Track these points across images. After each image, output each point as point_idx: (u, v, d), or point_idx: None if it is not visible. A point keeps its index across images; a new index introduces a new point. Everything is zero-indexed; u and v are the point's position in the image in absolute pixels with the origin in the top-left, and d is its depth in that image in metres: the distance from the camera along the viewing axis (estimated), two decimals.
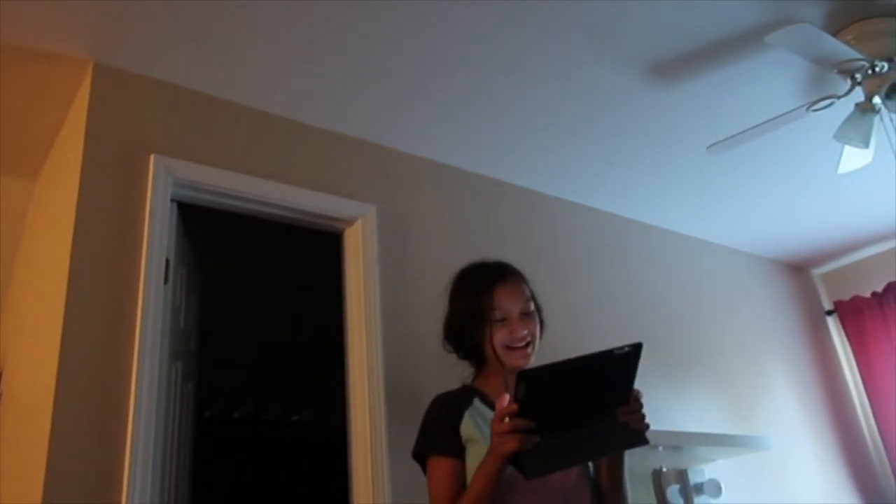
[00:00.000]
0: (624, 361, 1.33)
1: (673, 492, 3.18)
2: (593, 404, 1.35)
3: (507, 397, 1.29)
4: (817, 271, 5.01)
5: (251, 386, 4.61)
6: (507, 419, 1.28)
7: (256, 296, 4.14)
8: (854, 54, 2.49)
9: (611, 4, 2.40)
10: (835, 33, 2.58)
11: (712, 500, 3.28)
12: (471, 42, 2.52)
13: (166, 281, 2.35)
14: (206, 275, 3.06)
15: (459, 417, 1.59)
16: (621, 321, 3.55)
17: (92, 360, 2.07)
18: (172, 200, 2.45)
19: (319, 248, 3.02)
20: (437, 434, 1.60)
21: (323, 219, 2.80)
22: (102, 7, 2.21)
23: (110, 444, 2.01)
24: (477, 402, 1.64)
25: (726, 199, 3.87)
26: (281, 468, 4.54)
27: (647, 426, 1.39)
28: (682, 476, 3.28)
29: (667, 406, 3.48)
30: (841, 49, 2.47)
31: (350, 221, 2.84)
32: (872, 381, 4.55)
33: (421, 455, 1.63)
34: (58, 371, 2.00)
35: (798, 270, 4.91)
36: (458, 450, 1.55)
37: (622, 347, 1.31)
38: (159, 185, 2.38)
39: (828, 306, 4.90)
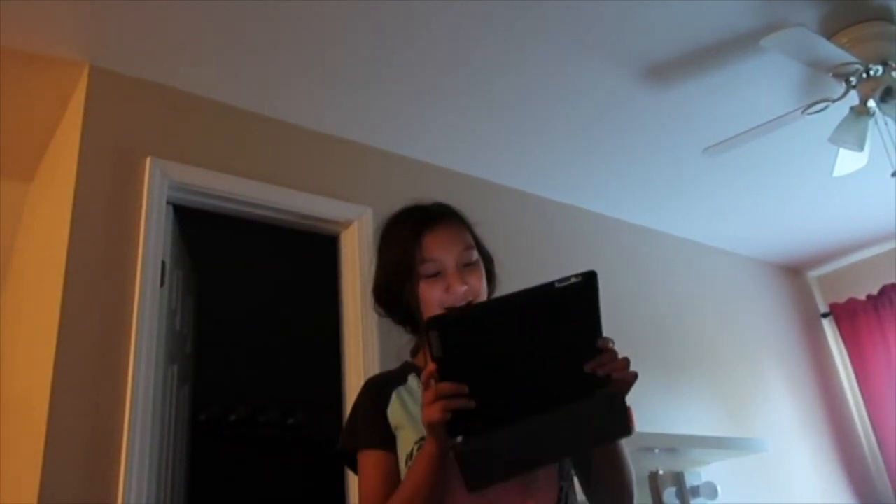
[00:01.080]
0: (577, 295, 1.03)
1: (669, 494, 3.18)
2: (550, 356, 1.02)
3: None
4: (813, 274, 5.02)
5: (247, 388, 4.59)
6: (431, 384, 0.99)
7: (252, 298, 4.13)
8: (849, 58, 2.50)
9: (606, 8, 2.40)
10: (829, 37, 2.58)
11: (709, 503, 3.28)
12: (467, 46, 2.53)
13: (162, 284, 2.34)
14: (201, 278, 3.05)
15: (387, 401, 1.26)
16: (617, 324, 3.55)
17: (88, 363, 2.07)
18: (168, 203, 2.45)
19: (315, 250, 3.02)
20: (361, 425, 1.28)
21: (319, 221, 2.80)
22: (99, 10, 2.21)
23: (106, 446, 2.01)
24: (412, 380, 1.30)
25: (722, 202, 3.88)
26: (277, 471, 4.53)
27: (634, 374, 1.06)
28: (678, 479, 3.28)
29: (663, 409, 3.49)
30: (836, 52, 2.48)
31: (346, 224, 2.83)
32: (868, 383, 4.56)
33: (346, 453, 1.31)
34: (53, 374, 2.00)
35: (793, 273, 4.92)
36: (387, 440, 1.23)
37: (567, 278, 1.01)
38: (155, 187, 2.38)
39: (823, 309, 4.90)
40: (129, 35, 2.34)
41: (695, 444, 3.11)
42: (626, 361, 1.06)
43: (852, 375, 4.67)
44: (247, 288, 4.05)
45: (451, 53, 2.56)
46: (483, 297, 1.30)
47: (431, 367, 0.98)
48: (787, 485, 3.86)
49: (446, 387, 0.98)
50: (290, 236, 2.91)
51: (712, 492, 3.25)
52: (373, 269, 1.38)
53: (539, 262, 3.41)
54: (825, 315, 4.87)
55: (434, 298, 1.25)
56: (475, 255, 1.32)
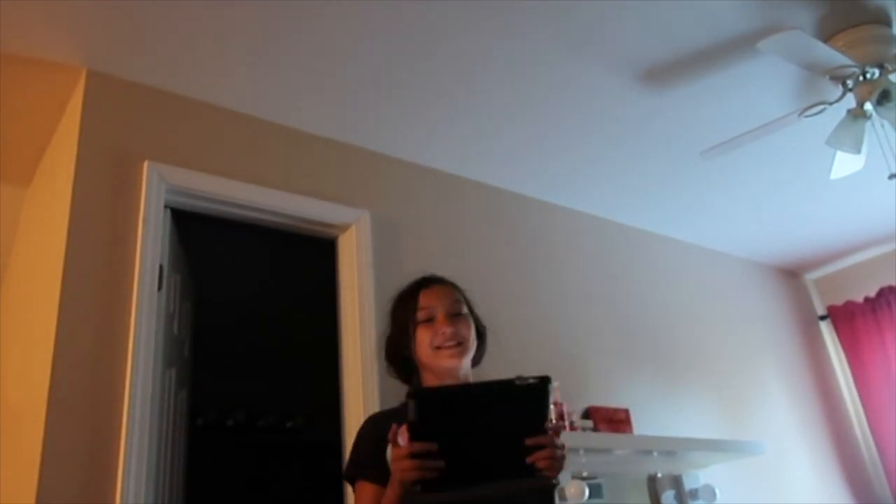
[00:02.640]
0: (530, 394, 1.22)
1: (668, 497, 3.18)
2: (501, 441, 1.23)
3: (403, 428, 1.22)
4: (810, 276, 5.02)
5: (245, 393, 4.59)
6: (399, 441, 1.22)
7: (250, 302, 4.13)
8: (845, 61, 2.51)
9: (602, 12, 2.41)
10: (826, 40, 2.59)
11: None
12: (464, 52, 2.53)
13: (160, 288, 2.34)
14: (199, 282, 3.05)
15: (386, 441, 1.42)
16: (615, 326, 3.56)
17: (85, 368, 2.06)
18: (166, 207, 2.44)
19: (313, 254, 3.02)
20: (362, 458, 1.51)
21: (317, 225, 2.80)
22: (96, 15, 2.21)
23: (104, 451, 2.00)
24: None
25: (719, 204, 3.89)
26: (276, 475, 4.53)
27: (555, 467, 1.25)
28: (676, 481, 3.27)
29: (661, 411, 3.49)
30: (832, 55, 2.48)
31: (344, 227, 2.83)
32: (865, 385, 4.56)
33: (350, 478, 1.55)
34: (50, 378, 1.99)
35: (791, 275, 4.92)
36: (382, 475, 1.40)
37: (525, 378, 1.21)
38: (153, 191, 2.37)
39: (821, 311, 4.91)
40: (126, 39, 2.34)
41: (693, 447, 3.11)
42: (556, 457, 1.25)
43: (850, 378, 4.67)
44: (244, 292, 4.05)
45: (449, 58, 2.56)
46: (470, 344, 1.54)
47: (403, 429, 1.20)
48: (785, 487, 3.86)
49: (421, 446, 1.19)
50: (287, 240, 2.91)
51: (711, 494, 3.25)
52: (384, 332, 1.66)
53: (536, 265, 3.42)
54: (823, 317, 4.88)
55: (425, 340, 1.51)
56: (465, 308, 1.57)
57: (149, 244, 2.30)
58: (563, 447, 1.29)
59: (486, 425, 1.21)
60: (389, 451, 1.34)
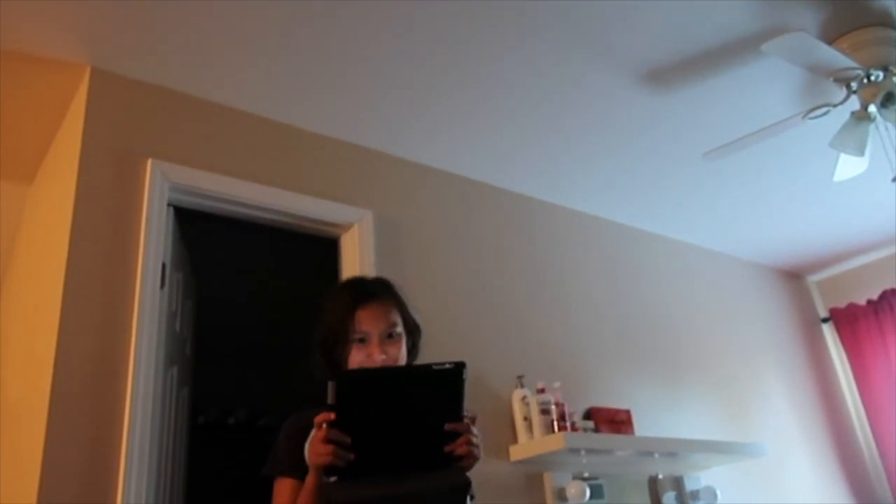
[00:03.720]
0: (447, 379, 1.25)
1: (669, 498, 3.18)
2: (420, 426, 1.26)
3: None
4: (813, 278, 5.02)
5: (246, 392, 4.59)
6: (324, 427, 1.24)
7: (251, 301, 4.13)
8: (849, 63, 2.51)
9: (606, 14, 2.40)
10: (830, 42, 2.59)
11: None
12: (468, 52, 2.53)
13: (162, 286, 2.34)
14: (201, 280, 3.05)
15: (305, 437, 1.47)
16: (617, 327, 3.56)
17: (87, 365, 2.06)
18: (169, 205, 2.45)
19: (316, 253, 3.02)
20: (282, 456, 1.53)
21: (319, 224, 2.80)
22: (100, 12, 2.21)
23: (105, 448, 2.01)
24: None
25: (722, 206, 3.88)
26: None
27: (472, 455, 1.29)
28: (678, 483, 3.28)
29: (662, 413, 3.48)
30: (836, 58, 2.48)
31: (346, 227, 2.83)
32: (868, 388, 4.56)
33: (268, 477, 1.55)
34: (53, 376, 2.00)
35: (793, 277, 4.92)
36: (301, 471, 1.43)
37: (442, 363, 1.23)
38: (156, 189, 2.38)
39: (823, 313, 4.90)
40: (130, 37, 2.34)
41: (694, 449, 3.11)
42: (473, 444, 1.29)
43: (852, 380, 4.66)
44: (246, 290, 4.05)
45: (453, 60, 2.56)
46: (399, 362, 1.54)
47: (330, 414, 1.23)
48: (786, 489, 3.86)
49: (336, 434, 1.22)
50: (290, 239, 2.91)
51: (712, 496, 3.25)
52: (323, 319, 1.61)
53: (539, 265, 3.42)
54: (825, 320, 4.87)
55: (356, 361, 1.52)
56: (398, 329, 1.58)
57: (151, 242, 2.30)
58: (478, 437, 1.31)
59: (404, 411, 1.25)
60: (308, 441, 1.37)
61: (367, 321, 1.54)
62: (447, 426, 1.26)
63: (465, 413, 1.30)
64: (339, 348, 1.55)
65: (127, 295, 2.20)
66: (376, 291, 1.62)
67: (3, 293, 2.99)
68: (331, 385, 1.21)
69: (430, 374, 1.24)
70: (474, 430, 1.30)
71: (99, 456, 1.99)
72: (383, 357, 1.51)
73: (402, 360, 1.57)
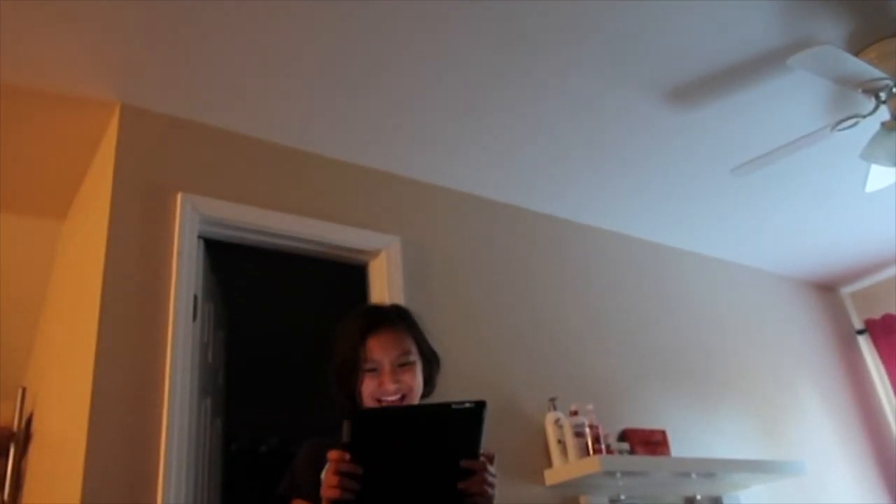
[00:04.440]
0: (466, 418, 1.23)
1: None
2: (435, 464, 1.24)
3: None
4: (846, 290, 4.93)
5: (277, 419, 4.60)
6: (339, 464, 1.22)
7: (281, 329, 4.15)
8: (877, 73, 2.48)
9: (630, 32, 2.40)
10: (856, 53, 2.56)
11: None
12: (490, 74, 2.54)
13: (195, 318, 2.36)
14: (232, 310, 3.07)
15: (322, 464, 1.43)
16: (648, 346, 3.52)
17: (123, 400, 2.08)
18: (199, 237, 2.47)
19: (345, 280, 3.02)
20: (299, 480, 1.52)
21: (347, 251, 2.81)
22: (128, 50, 2.26)
23: (143, 483, 2.01)
24: None
25: (752, 221, 3.84)
26: None
27: (486, 494, 1.26)
28: (717, 503, 3.22)
29: (698, 433, 3.43)
30: (864, 69, 2.46)
31: (374, 253, 2.84)
32: None
33: (282, 497, 1.55)
34: (90, 409, 2.01)
35: (827, 290, 4.84)
36: (316, 496, 1.40)
37: (462, 402, 1.21)
38: (186, 223, 2.40)
39: (858, 325, 4.81)
40: (157, 73, 2.38)
41: (732, 468, 3.05)
42: (488, 483, 1.26)
43: (891, 392, 4.56)
44: (276, 319, 4.07)
45: (476, 83, 2.57)
46: (416, 392, 1.53)
47: (345, 454, 1.20)
48: None
49: (348, 467, 1.20)
50: (318, 267, 2.91)
51: None
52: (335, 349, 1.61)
53: (569, 286, 3.40)
54: (861, 332, 4.78)
55: (368, 391, 1.50)
56: (412, 357, 1.55)
57: (183, 275, 2.32)
58: (495, 476, 1.28)
59: (419, 448, 1.23)
60: (323, 473, 1.35)
61: (378, 349, 1.52)
62: (462, 463, 1.24)
63: (483, 451, 1.27)
64: (353, 377, 1.53)
65: (160, 328, 2.22)
66: (387, 319, 1.60)
67: (40, 330, 3.03)
68: (346, 423, 1.19)
69: (448, 412, 1.22)
70: (490, 469, 1.28)
71: (137, 490, 2.00)
72: (395, 386, 1.49)
73: (418, 388, 1.54)
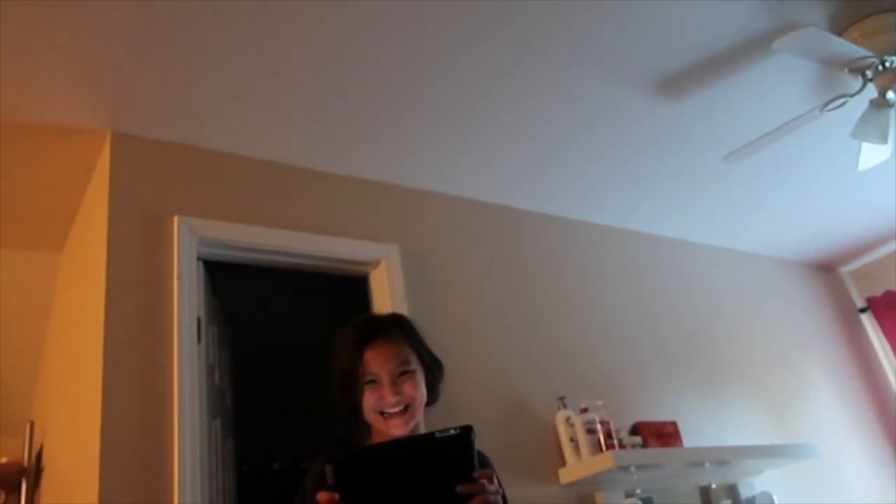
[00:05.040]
0: (453, 446, 1.21)
1: None
2: (430, 494, 1.22)
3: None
4: (846, 269, 4.93)
5: (287, 436, 4.58)
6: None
7: (286, 345, 4.14)
8: (862, 52, 2.49)
9: (611, 28, 2.41)
10: (840, 33, 2.57)
11: None
12: (480, 76, 2.54)
13: (199, 340, 2.35)
14: (235, 329, 3.07)
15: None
16: (654, 338, 3.52)
17: (133, 427, 2.08)
18: (198, 259, 2.47)
19: (347, 293, 3.02)
20: (309, 498, 1.43)
21: (347, 263, 2.81)
22: (117, 78, 2.26)
23: None
24: None
25: (748, 206, 3.85)
26: None
27: None
28: (732, 491, 3.21)
29: (709, 421, 3.43)
30: (849, 48, 2.47)
31: (374, 264, 2.84)
32: None
33: None
34: (101, 438, 2.01)
35: (826, 270, 4.85)
36: None
37: (446, 430, 1.20)
38: (184, 245, 2.40)
39: (860, 304, 4.82)
40: (146, 99, 2.38)
41: (746, 455, 3.05)
42: (490, 501, 1.23)
43: None
44: (279, 334, 4.06)
45: (466, 85, 2.58)
46: (419, 402, 1.50)
47: (334, 495, 1.17)
48: (843, 487, 3.77)
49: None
50: (319, 281, 2.91)
51: (769, 501, 3.18)
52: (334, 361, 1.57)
53: (567, 285, 3.40)
54: (863, 310, 4.79)
55: (370, 405, 1.48)
56: (411, 366, 1.51)
57: (185, 298, 2.32)
58: (496, 493, 1.25)
59: (410, 481, 1.21)
60: None
61: (376, 361, 1.49)
62: (459, 488, 1.21)
63: (478, 471, 1.24)
64: (354, 392, 1.50)
65: (165, 353, 2.22)
66: (382, 329, 1.56)
67: (44, 362, 3.02)
68: (328, 468, 1.17)
69: (433, 442, 1.21)
70: (490, 487, 1.24)
71: None
72: (397, 398, 1.46)
73: (421, 397, 1.51)
